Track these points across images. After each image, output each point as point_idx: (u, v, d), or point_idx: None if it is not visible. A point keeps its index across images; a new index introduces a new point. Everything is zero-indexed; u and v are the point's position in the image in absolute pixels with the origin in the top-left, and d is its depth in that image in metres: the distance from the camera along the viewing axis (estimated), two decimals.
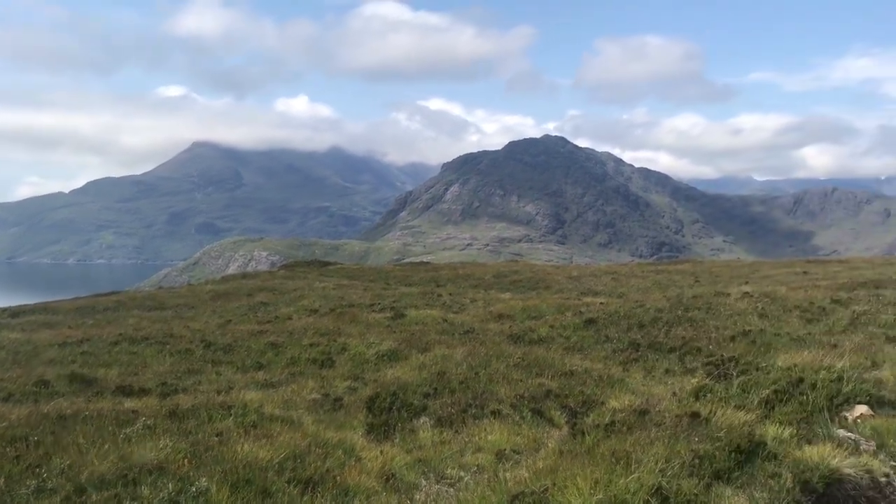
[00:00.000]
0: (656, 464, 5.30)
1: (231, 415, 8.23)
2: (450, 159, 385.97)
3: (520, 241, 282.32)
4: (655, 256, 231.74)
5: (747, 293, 19.79)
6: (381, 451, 7.68)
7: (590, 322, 18.29)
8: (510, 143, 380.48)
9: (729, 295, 20.32)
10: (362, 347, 15.31)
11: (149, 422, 7.44)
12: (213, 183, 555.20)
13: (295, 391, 11.13)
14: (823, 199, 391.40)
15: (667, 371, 13.22)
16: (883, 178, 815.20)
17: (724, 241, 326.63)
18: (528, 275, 40.16)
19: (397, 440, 8.60)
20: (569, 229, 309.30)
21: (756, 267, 40.44)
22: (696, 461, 5.42)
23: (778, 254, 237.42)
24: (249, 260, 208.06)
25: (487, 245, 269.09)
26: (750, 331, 14.71)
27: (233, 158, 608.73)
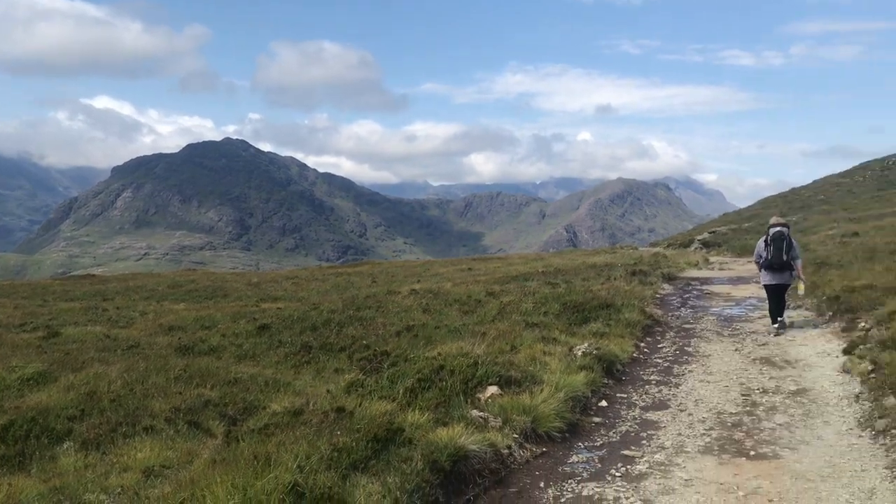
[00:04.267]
0: (295, 461, 5.34)
1: None
2: (121, 162, 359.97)
3: (202, 248, 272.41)
4: (342, 260, 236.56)
5: (414, 290, 20.90)
6: (10, 484, 6.88)
7: (263, 328, 18.07)
8: (189, 146, 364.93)
9: (399, 293, 21.31)
10: (3, 373, 13.63)
11: None
12: None
13: None
14: (490, 202, 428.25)
15: (336, 370, 13.44)
16: (538, 182, 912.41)
17: (405, 242, 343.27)
18: (206, 283, 38.73)
19: (34, 470, 7.77)
20: (254, 235, 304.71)
21: (428, 266, 42.96)
22: (335, 454, 5.55)
23: (453, 253, 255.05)
24: None
25: (167, 254, 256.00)
26: (413, 325, 15.49)
27: None
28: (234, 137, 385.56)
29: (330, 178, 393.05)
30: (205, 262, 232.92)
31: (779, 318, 13.13)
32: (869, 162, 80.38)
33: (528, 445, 6.91)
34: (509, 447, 6.63)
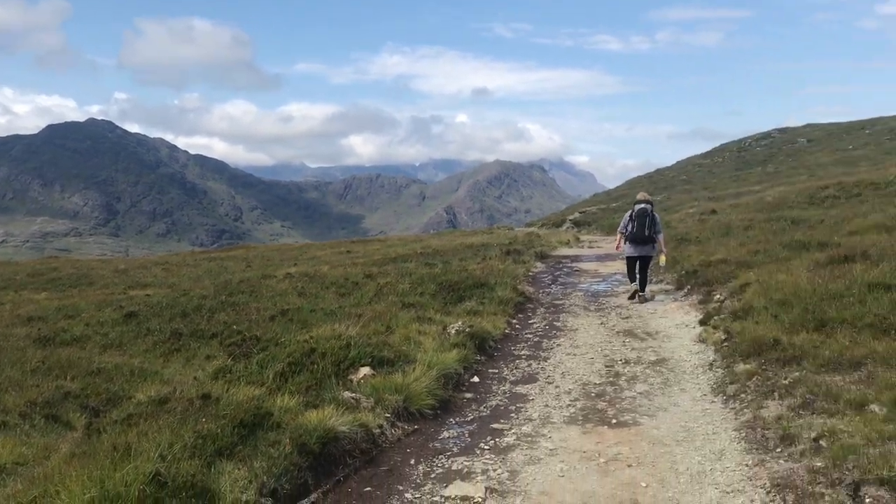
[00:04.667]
0: (157, 450, 5.16)
1: None
2: None
3: (67, 235, 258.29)
4: (217, 244, 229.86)
5: (290, 274, 20.59)
6: None
7: (130, 316, 17.37)
8: (49, 126, 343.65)
9: (274, 277, 20.94)
10: None
11: None
12: None
13: None
14: (369, 184, 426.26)
15: (208, 357, 13.11)
16: (417, 164, 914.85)
17: (283, 226, 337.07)
18: (70, 271, 36.77)
19: None
20: (122, 220, 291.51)
21: (306, 249, 42.36)
22: (200, 441, 5.40)
23: (332, 236, 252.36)
24: None
25: (27, 241, 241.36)
26: (289, 309, 15.28)
27: None
28: (100, 118, 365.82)
29: (202, 160, 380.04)
30: (70, 248, 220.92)
31: (639, 290, 14.08)
32: (727, 144, 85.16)
33: (400, 424, 6.95)
34: (381, 426, 6.65)
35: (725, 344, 9.34)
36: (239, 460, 5.36)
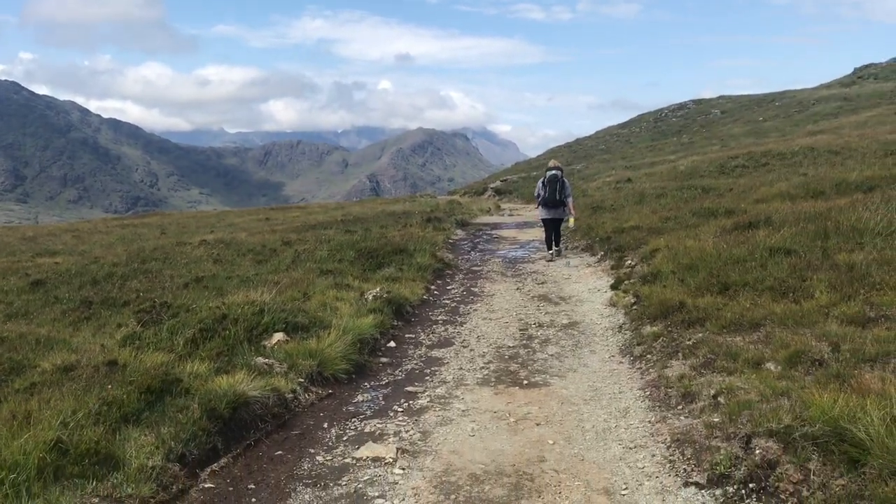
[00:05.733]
0: (59, 417, 5.04)
1: None
2: None
3: None
4: (132, 212, 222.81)
5: (205, 241, 20.18)
6: None
7: (37, 283, 16.72)
8: None
9: (189, 244, 20.48)
10: None
11: None
12: None
13: None
14: (290, 150, 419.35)
15: (119, 325, 12.76)
16: (339, 131, 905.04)
17: (201, 193, 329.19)
18: None
19: None
20: (31, 186, 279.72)
21: (223, 216, 41.50)
22: (105, 408, 5.30)
23: (252, 204, 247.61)
24: None
25: None
26: (203, 276, 14.97)
27: None
28: (3, 79, 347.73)
29: (116, 125, 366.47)
30: None
31: (554, 247, 15.57)
32: (644, 114, 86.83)
33: (313, 389, 6.95)
34: (294, 391, 6.64)
35: (634, 307, 9.62)
36: (146, 426, 5.28)
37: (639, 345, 8.14)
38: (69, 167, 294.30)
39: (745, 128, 56.00)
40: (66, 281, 16.95)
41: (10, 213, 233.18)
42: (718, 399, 5.86)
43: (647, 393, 6.70)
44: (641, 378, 7.19)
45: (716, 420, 5.46)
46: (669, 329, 8.09)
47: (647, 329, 8.40)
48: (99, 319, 13.83)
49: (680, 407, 6.13)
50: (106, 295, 15.20)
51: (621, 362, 7.84)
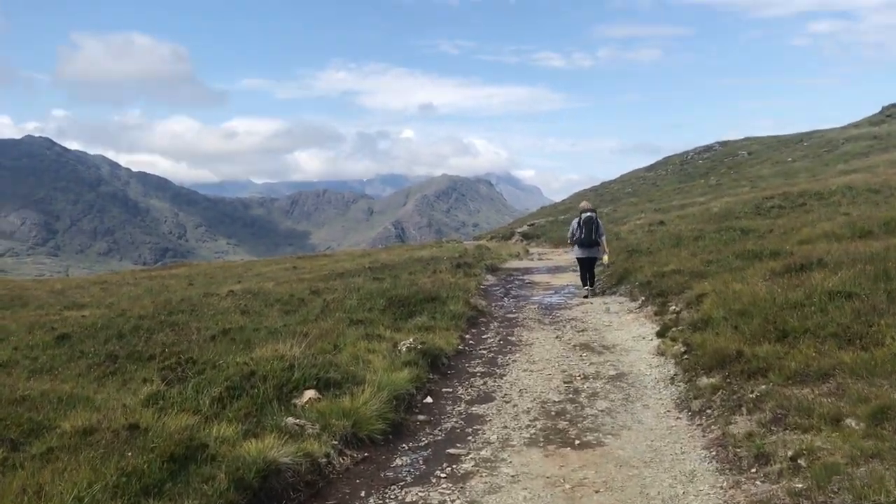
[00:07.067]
0: (73, 491, 4.59)
1: None
2: None
3: (3, 255, 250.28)
4: (161, 263, 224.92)
5: (232, 291, 19.87)
6: None
7: (63, 338, 16.46)
8: None
9: (217, 295, 20.18)
10: None
11: None
12: None
13: None
14: (317, 200, 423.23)
15: (145, 380, 12.38)
16: (365, 179, 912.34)
17: (228, 243, 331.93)
18: (2, 292, 35.23)
19: None
20: (62, 240, 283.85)
21: (250, 266, 41.37)
22: (124, 480, 4.84)
23: (279, 253, 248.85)
24: None
25: None
26: (231, 328, 14.62)
27: None
28: (37, 135, 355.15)
29: (144, 178, 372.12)
30: (7, 269, 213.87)
31: (589, 286, 16.18)
32: (670, 157, 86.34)
33: (348, 451, 6.44)
34: (328, 455, 6.13)
35: (686, 356, 9.03)
36: (168, 500, 4.80)
37: (696, 398, 7.55)
38: (99, 220, 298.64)
39: (773, 168, 55.26)
40: (92, 335, 16.67)
41: (42, 266, 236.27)
42: (798, 461, 5.28)
43: (713, 453, 6.12)
44: (704, 436, 6.60)
45: (800, 486, 4.88)
46: (728, 380, 7.50)
47: (704, 381, 7.81)
48: (124, 374, 13.47)
49: (754, 470, 5.54)
50: (132, 349, 14.85)
51: (679, 418, 7.25)
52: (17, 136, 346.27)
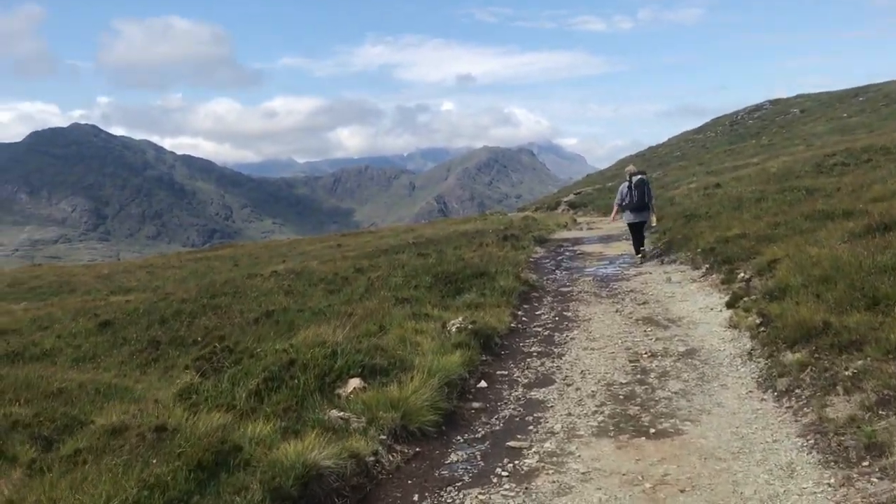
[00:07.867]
0: None
1: None
2: None
3: (56, 242, 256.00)
4: (209, 244, 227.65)
5: (276, 272, 19.44)
6: None
7: (105, 325, 16.21)
8: (33, 133, 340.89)
9: (260, 275, 19.80)
10: None
11: None
12: None
13: None
14: (358, 177, 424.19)
15: (186, 367, 11.97)
16: (405, 154, 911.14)
17: (274, 223, 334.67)
18: (52, 279, 35.59)
19: None
20: (112, 225, 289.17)
21: (294, 245, 41.12)
22: (145, 494, 4.28)
23: (324, 231, 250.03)
24: None
25: (17, 250, 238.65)
26: (274, 310, 14.16)
27: None
28: (83, 122, 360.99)
29: (189, 161, 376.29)
30: (60, 256, 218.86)
31: (641, 248, 15.90)
32: (719, 118, 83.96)
33: (398, 447, 5.83)
34: (375, 453, 5.52)
35: (763, 329, 8.23)
36: None
37: (781, 376, 6.76)
38: (147, 204, 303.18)
39: (828, 125, 53.19)
40: (134, 321, 16.39)
41: (94, 252, 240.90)
42: None
43: (811, 442, 5.37)
44: (796, 421, 5.84)
45: None
46: (816, 356, 6.69)
47: (788, 356, 7.01)
48: (166, 361, 13.13)
49: (865, 463, 4.78)
50: (174, 334, 14.51)
51: (763, 399, 6.49)
52: (64, 125, 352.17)
